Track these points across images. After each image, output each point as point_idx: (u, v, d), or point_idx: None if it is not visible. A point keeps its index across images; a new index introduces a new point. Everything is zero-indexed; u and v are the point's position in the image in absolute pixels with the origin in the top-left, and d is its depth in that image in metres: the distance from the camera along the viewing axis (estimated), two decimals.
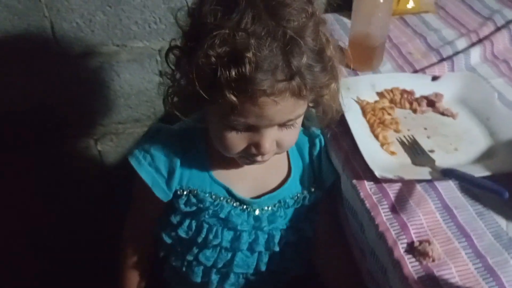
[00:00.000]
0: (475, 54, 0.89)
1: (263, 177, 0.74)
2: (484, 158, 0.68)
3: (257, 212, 0.73)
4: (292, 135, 0.65)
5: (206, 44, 0.53)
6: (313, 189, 0.76)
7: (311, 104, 0.66)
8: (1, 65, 1.01)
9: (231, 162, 0.71)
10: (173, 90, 0.65)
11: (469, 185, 0.61)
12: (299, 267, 0.80)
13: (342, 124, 0.73)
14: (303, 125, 0.71)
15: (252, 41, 0.52)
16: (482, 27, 0.98)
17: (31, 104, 1.08)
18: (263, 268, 0.76)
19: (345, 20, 1.04)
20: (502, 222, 0.58)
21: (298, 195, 0.75)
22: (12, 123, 1.09)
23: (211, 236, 0.72)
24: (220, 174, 0.72)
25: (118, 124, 1.16)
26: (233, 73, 0.53)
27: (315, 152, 0.76)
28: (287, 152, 0.75)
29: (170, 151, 0.70)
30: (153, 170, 0.70)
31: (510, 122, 0.71)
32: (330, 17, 1.06)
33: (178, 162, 0.70)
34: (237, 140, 0.62)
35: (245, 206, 0.73)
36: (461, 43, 0.93)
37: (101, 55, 1.05)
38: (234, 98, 0.54)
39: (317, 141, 0.76)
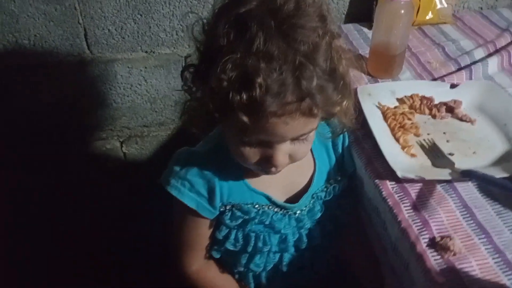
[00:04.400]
0: (493, 63, 0.92)
1: (294, 178, 0.76)
2: (501, 161, 0.71)
3: (297, 213, 0.76)
4: (304, 148, 0.66)
5: (218, 68, 0.55)
6: (339, 178, 0.78)
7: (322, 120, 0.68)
8: (36, 69, 1.07)
9: None
10: (191, 105, 0.67)
11: (489, 185, 0.64)
12: (335, 254, 0.84)
13: (364, 128, 0.76)
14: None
15: (262, 65, 0.54)
16: (499, 38, 1.01)
17: (63, 107, 1.13)
18: (307, 263, 0.80)
19: (365, 30, 1.08)
20: None
21: (328, 186, 0.77)
22: (42, 125, 1.14)
23: (260, 244, 0.75)
24: (256, 183, 0.74)
25: (144, 127, 1.21)
26: (244, 97, 0.55)
27: (339, 143, 0.78)
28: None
29: (205, 173, 0.71)
30: (194, 195, 0.72)
31: None
32: (351, 27, 1.10)
33: (215, 182, 0.71)
34: (251, 154, 0.64)
35: (285, 210, 0.75)
36: (479, 53, 0.96)
37: (130, 61, 1.10)
38: (246, 119, 0.56)
39: (340, 134, 0.77)
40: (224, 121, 0.63)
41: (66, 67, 1.07)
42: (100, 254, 1.31)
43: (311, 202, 0.77)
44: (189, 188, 0.71)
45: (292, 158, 0.66)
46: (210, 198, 0.72)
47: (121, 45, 1.07)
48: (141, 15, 1.04)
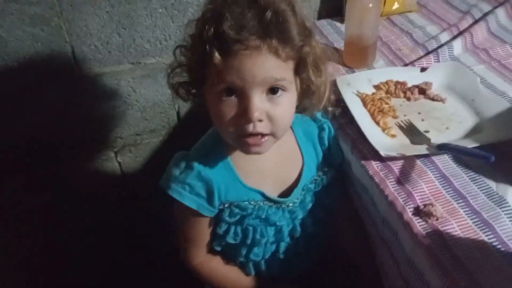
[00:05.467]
0: (457, 45, 0.99)
1: (283, 173, 0.82)
2: (472, 133, 0.78)
3: (290, 206, 0.81)
4: (281, 110, 0.67)
5: (197, 22, 0.66)
6: (327, 169, 0.84)
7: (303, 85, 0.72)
8: (27, 88, 1.10)
9: (255, 166, 0.78)
10: (179, 81, 0.74)
11: (461, 155, 0.71)
12: (327, 238, 0.89)
13: (346, 115, 0.83)
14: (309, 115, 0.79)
15: (230, 5, 0.63)
16: (462, 21, 1.09)
17: (55, 124, 1.16)
18: (302, 250, 0.85)
19: (338, 24, 1.14)
20: (492, 184, 0.68)
21: (316, 178, 0.83)
22: (36, 139, 1.17)
23: (258, 236, 0.80)
24: (250, 180, 0.78)
25: (136, 135, 1.25)
26: (212, 30, 0.63)
27: (325, 135, 0.83)
28: (297, 142, 0.83)
29: (203, 175, 0.75)
30: (195, 197, 0.76)
31: (492, 102, 0.81)
32: (324, 23, 1.16)
33: (213, 183, 0.75)
34: (227, 109, 0.66)
35: (279, 204, 0.80)
36: (444, 37, 1.03)
37: (117, 73, 1.14)
38: (217, 57, 0.62)
39: (325, 125, 0.83)
40: (203, 78, 0.69)
41: (56, 85, 1.10)
42: (101, 261, 1.35)
43: (302, 194, 0.82)
44: (189, 191, 0.75)
45: (271, 120, 0.67)
46: (210, 199, 0.76)
47: (108, 59, 1.12)
48: (125, 28, 1.09)
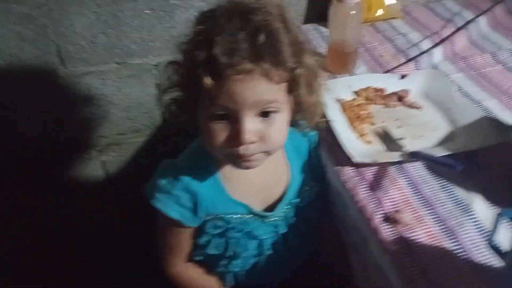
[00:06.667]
0: (438, 53, 1.01)
1: (270, 187, 0.81)
2: (445, 141, 0.79)
3: (273, 220, 0.81)
4: (274, 130, 0.67)
5: (188, 43, 0.65)
6: (313, 183, 0.84)
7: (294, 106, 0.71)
8: (12, 87, 1.11)
9: (242, 180, 0.78)
10: (172, 100, 0.72)
11: (431, 163, 0.72)
12: (310, 250, 0.90)
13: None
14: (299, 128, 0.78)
15: (221, 29, 0.61)
16: (444, 28, 1.10)
17: (39, 121, 1.16)
18: (283, 262, 0.86)
19: (323, 29, 1.15)
20: (460, 192, 0.69)
21: (302, 192, 0.83)
22: (19, 137, 1.18)
23: (239, 249, 0.80)
24: (236, 193, 0.78)
25: (120, 135, 1.26)
26: (203, 54, 0.62)
27: (313, 149, 0.84)
28: (286, 156, 0.82)
29: (189, 186, 0.75)
30: (180, 207, 0.75)
31: (466, 110, 0.82)
32: (310, 27, 1.18)
33: (198, 195, 0.75)
34: (219, 131, 0.66)
35: (263, 218, 0.80)
36: (425, 44, 1.05)
37: (103, 72, 1.15)
38: (208, 82, 0.62)
39: (314, 139, 0.84)
40: (195, 99, 0.68)
41: (41, 83, 1.11)
42: (87, 262, 1.36)
43: (287, 208, 0.82)
44: (175, 202, 0.75)
45: (264, 141, 0.67)
46: (195, 210, 0.76)
47: (94, 58, 1.12)
48: (111, 29, 1.09)
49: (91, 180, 1.31)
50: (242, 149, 0.66)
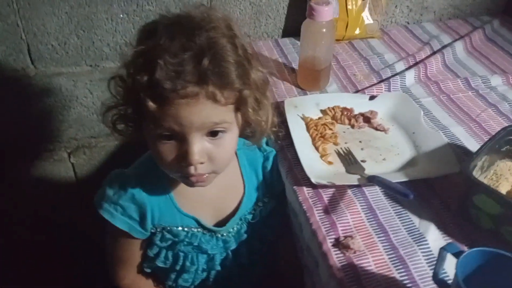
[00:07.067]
0: (410, 76, 1.01)
1: (223, 201, 0.80)
2: (406, 166, 0.79)
3: (224, 235, 0.80)
4: (223, 150, 0.67)
5: (129, 65, 0.63)
6: (266, 200, 0.83)
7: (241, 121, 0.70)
8: None
9: (193, 193, 0.76)
10: (117, 115, 0.70)
11: (385, 189, 0.72)
12: (264, 267, 0.89)
13: (288, 138, 0.83)
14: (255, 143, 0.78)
15: (164, 51, 0.59)
16: (420, 51, 1.11)
17: (8, 121, 1.15)
18: (234, 278, 0.84)
19: (299, 43, 1.15)
20: (415, 220, 0.68)
21: (255, 208, 0.82)
22: None
23: (188, 263, 0.79)
24: (186, 206, 0.77)
25: (91, 138, 1.24)
26: (145, 78, 0.59)
27: (268, 166, 0.83)
28: (240, 170, 0.82)
29: (137, 197, 0.74)
30: (126, 218, 0.75)
31: (431, 136, 0.81)
32: (287, 41, 1.17)
33: (146, 206, 0.74)
34: (167, 152, 0.65)
35: (213, 232, 0.79)
36: (399, 66, 1.05)
37: (75, 74, 1.13)
38: (152, 105, 0.60)
39: (270, 155, 0.83)
40: (140, 119, 0.66)
41: (10, 81, 1.10)
42: (53, 263, 1.33)
43: (239, 224, 0.81)
44: (121, 213, 0.74)
45: (212, 161, 0.66)
46: (142, 222, 0.75)
47: (65, 59, 1.11)
48: (84, 31, 1.08)
49: (59, 183, 1.28)
50: (192, 169, 0.65)
